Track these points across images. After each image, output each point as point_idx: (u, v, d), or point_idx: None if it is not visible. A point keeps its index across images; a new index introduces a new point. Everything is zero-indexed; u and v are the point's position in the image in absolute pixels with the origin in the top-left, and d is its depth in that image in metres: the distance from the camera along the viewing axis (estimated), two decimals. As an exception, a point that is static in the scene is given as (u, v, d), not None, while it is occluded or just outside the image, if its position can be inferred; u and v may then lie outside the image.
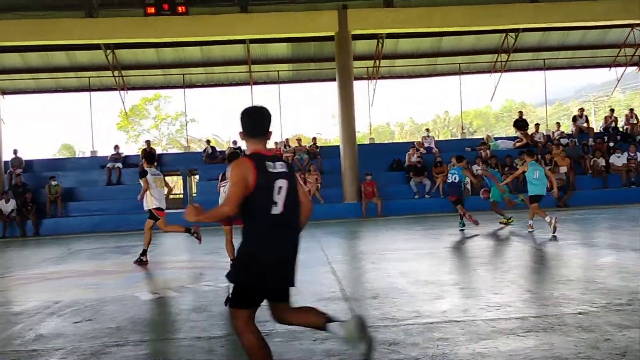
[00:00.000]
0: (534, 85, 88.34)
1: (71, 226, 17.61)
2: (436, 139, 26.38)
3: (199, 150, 25.12)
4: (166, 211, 10.11)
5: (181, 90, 24.28)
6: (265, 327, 4.76)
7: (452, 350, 3.99)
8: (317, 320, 3.43)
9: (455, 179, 12.62)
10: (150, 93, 40.67)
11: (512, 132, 24.50)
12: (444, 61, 23.71)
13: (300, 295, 6.05)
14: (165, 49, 21.74)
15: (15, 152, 19.76)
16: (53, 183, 18.14)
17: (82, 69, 22.48)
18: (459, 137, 26.40)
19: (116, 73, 22.35)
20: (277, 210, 3.21)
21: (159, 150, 27.78)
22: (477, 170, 18.67)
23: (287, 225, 3.28)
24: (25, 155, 20.30)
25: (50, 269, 9.77)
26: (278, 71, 23.30)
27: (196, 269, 8.93)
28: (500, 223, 12.65)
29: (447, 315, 4.94)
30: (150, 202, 9.87)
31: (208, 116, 65.86)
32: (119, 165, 19.83)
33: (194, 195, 21.06)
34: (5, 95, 21.72)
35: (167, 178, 22.51)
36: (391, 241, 11.42)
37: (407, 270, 7.48)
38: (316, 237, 12.31)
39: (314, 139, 22.25)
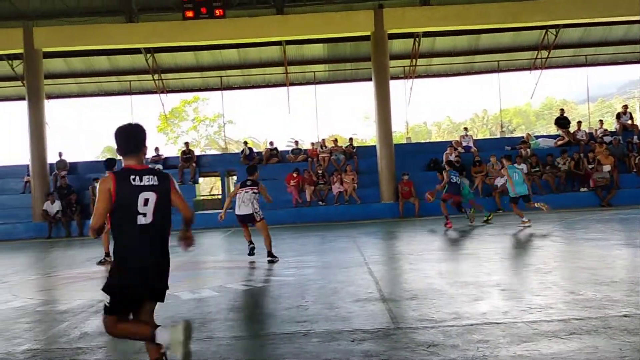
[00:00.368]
0: (576, 82, 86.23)
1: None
2: (474, 137, 25.97)
3: (237, 151, 25.37)
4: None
5: (219, 92, 24.62)
6: (303, 327, 4.80)
7: (492, 352, 3.93)
8: (148, 328, 3.53)
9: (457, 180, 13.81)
10: (189, 95, 41.27)
11: (553, 130, 24.00)
12: (482, 59, 23.36)
13: (337, 296, 6.07)
14: (203, 52, 22.08)
15: (60, 154, 20.36)
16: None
17: (123, 73, 23.04)
18: (498, 136, 25.96)
19: (156, 76, 22.80)
20: (145, 220, 3.45)
21: (197, 152, 28.13)
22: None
23: (155, 235, 3.51)
24: (70, 157, 20.88)
25: (94, 268, 10.02)
26: (314, 72, 23.37)
27: (234, 269, 9.03)
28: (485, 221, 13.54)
29: (487, 317, 4.86)
30: None
31: (245, 117, 66.52)
32: (159, 166, 20.19)
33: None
34: (50, 100, 22.36)
35: (207, 179, 22.74)
36: (429, 241, 11.32)
37: (445, 271, 7.40)
38: (353, 238, 12.30)
39: (351, 139, 22.22)
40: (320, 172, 19.11)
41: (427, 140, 45.90)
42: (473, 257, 8.79)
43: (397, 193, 17.97)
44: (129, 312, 3.57)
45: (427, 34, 21.23)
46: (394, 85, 20.97)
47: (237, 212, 9.79)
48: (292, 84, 23.94)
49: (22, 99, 19.87)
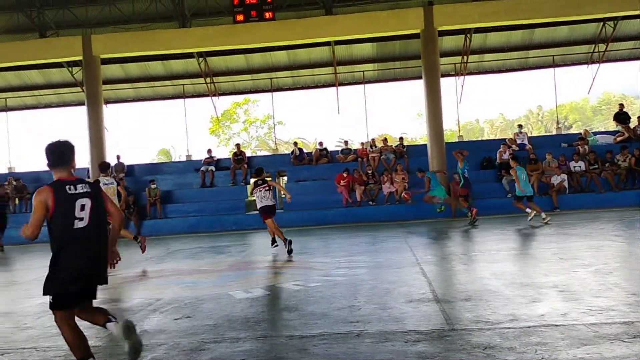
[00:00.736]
0: (635, 75, 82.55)
1: (169, 227, 18.51)
2: (529, 134, 25.30)
3: (287, 152, 25.58)
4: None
5: (269, 93, 24.91)
6: (355, 328, 4.80)
7: (551, 355, 3.83)
8: (101, 319, 4.04)
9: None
10: (239, 97, 41.92)
11: (611, 125, 23.10)
12: (536, 54, 22.77)
13: (390, 296, 6.04)
14: (253, 55, 22.38)
15: (118, 157, 21.05)
16: (152, 186, 19.14)
17: (177, 77, 23.64)
18: (554, 133, 25.16)
19: (208, 80, 23.28)
20: (82, 224, 3.90)
21: (248, 153, 28.52)
22: (574, 167, 17.81)
23: (92, 236, 3.96)
24: (127, 160, 21.57)
25: (151, 268, 10.33)
26: (363, 71, 23.32)
27: (285, 269, 9.10)
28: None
29: (545, 319, 4.74)
30: None
31: (294, 118, 67.01)
32: (212, 168, 20.60)
33: (283, 196, 21.48)
34: (108, 105, 23.15)
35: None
36: (482, 241, 11.11)
37: (500, 271, 7.25)
38: (404, 238, 12.21)
39: (401, 138, 22.04)
40: (370, 171, 19.05)
41: (479, 138, 45.06)
42: (529, 257, 8.58)
43: (449, 192, 17.71)
44: (74, 306, 4.00)
45: (478, 30, 20.85)
46: (445, 83, 20.69)
47: (260, 206, 11.49)
48: (341, 84, 23.96)
49: (82, 104, 20.65)
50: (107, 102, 22.89)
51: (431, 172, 16.76)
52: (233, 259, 10.83)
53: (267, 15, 17.61)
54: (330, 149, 22.00)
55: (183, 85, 23.87)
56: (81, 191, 3.97)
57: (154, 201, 19.07)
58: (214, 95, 24.28)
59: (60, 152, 4.05)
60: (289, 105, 72.76)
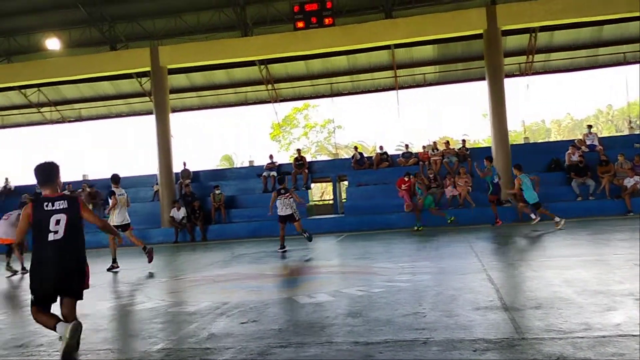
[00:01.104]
0: None
1: (233, 231, 18.90)
2: (599, 135, 24.29)
3: (347, 156, 25.64)
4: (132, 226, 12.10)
5: (329, 98, 25.07)
6: (421, 335, 4.75)
7: (629, 368, 3.66)
8: (53, 321, 4.58)
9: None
10: (299, 103, 42.38)
11: (691, 124, 21.87)
12: (606, 51, 21.86)
13: (456, 304, 5.93)
14: (313, 61, 22.59)
15: (184, 164, 21.71)
16: (217, 192, 19.62)
17: (239, 85, 24.18)
18: (626, 132, 24.05)
19: (269, 86, 23.65)
20: (57, 236, 4.51)
21: (308, 158, 28.71)
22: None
23: (66, 248, 4.55)
24: (193, 166, 22.21)
25: (218, 271, 10.56)
26: (424, 74, 23.10)
27: (348, 274, 9.10)
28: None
29: (621, 329, 4.53)
30: (112, 219, 11.43)
31: (354, 123, 66.95)
32: (274, 173, 20.89)
33: (344, 200, 21.54)
34: (174, 113, 23.91)
35: (318, 185, 23.09)
36: (552, 247, 10.74)
37: (572, 278, 6.98)
38: (469, 243, 11.97)
39: (463, 140, 21.69)
40: (432, 175, 18.80)
41: (546, 140, 43.64)
42: (602, 264, 8.22)
43: (515, 196, 17.22)
44: (49, 304, 4.66)
45: (544, 28, 20.23)
46: (509, 83, 20.21)
47: (280, 213, 13.05)
48: (401, 87, 23.81)
49: (150, 113, 21.44)
50: (174, 110, 23.62)
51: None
52: (296, 263, 10.94)
53: (327, 21, 17.74)
54: (390, 152, 21.89)
55: (245, 92, 24.38)
56: (58, 207, 4.60)
57: (219, 206, 19.53)
58: (275, 101, 24.65)
59: (46, 173, 4.75)
60: (349, 109, 72.83)
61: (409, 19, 18.67)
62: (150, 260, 11.47)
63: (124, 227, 11.68)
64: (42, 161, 4.78)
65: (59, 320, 4.59)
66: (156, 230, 19.72)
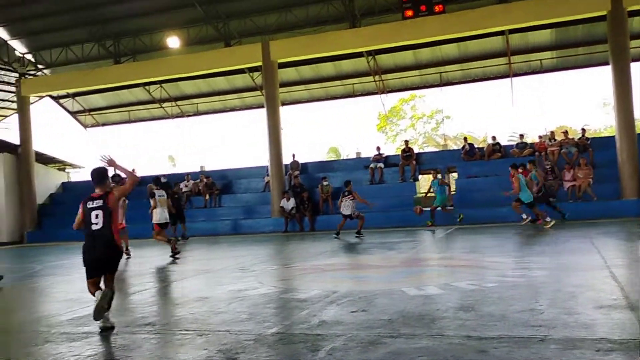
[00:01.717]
0: None
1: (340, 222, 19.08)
2: None
3: (455, 147, 25.00)
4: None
5: (438, 88, 24.55)
6: (539, 332, 4.56)
7: None
8: (94, 289, 5.75)
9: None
10: (406, 94, 41.92)
11: None
12: None
13: (575, 301, 5.63)
14: (422, 50, 22.22)
15: (293, 155, 22.24)
16: (324, 183, 19.92)
17: (346, 77, 24.33)
18: None
19: (377, 78, 23.58)
20: (97, 227, 5.77)
21: (415, 149, 28.30)
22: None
23: (103, 235, 5.76)
24: (301, 158, 22.70)
25: (326, 261, 10.76)
26: (540, 60, 21.97)
27: (458, 267, 8.90)
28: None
29: None
30: (155, 217, 12.70)
31: (463, 112, 65.03)
32: (381, 165, 20.84)
33: (453, 192, 21.04)
34: (284, 106, 24.53)
35: (425, 176, 22.83)
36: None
37: None
38: (589, 238, 11.26)
39: (583, 130, 20.36)
40: (549, 166, 17.85)
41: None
42: None
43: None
44: (96, 276, 5.84)
45: (678, 6, 18.44)
46: (636, 68, 18.66)
47: (343, 212, 15.78)
48: (515, 75, 22.82)
49: (262, 106, 22.17)
50: (284, 103, 24.25)
51: (434, 180, 17.63)
52: (404, 255, 10.87)
53: (437, 8, 17.34)
54: (503, 143, 21.06)
55: (352, 84, 24.48)
56: (95, 205, 5.84)
57: (326, 197, 19.82)
58: (382, 92, 24.54)
59: (97, 176, 5.99)
60: (457, 99, 70.84)
61: (525, 2, 17.77)
62: (174, 254, 12.19)
63: (164, 226, 12.82)
64: (95, 167, 6.01)
65: (99, 288, 5.76)
66: (266, 219, 20.40)
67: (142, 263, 12.72)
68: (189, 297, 7.53)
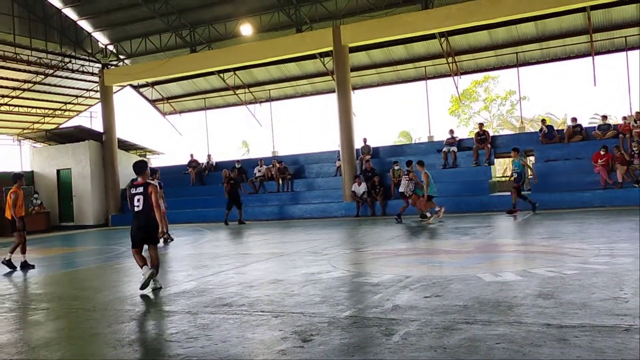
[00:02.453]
0: None
1: (412, 207, 18.91)
2: None
3: (532, 130, 24.10)
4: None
5: (514, 69, 23.69)
6: (623, 322, 4.39)
7: None
8: (142, 262, 7.44)
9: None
10: (479, 76, 40.74)
11: None
12: None
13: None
14: (497, 29, 21.52)
15: (364, 140, 22.18)
16: (396, 167, 19.74)
17: (418, 60, 23.94)
18: None
19: (450, 59, 23.04)
20: (138, 208, 7.38)
21: (490, 132, 27.50)
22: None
23: (143, 215, 7.39)
24: (373, 142, 22.59)
25: (398, 246, 10.72)
26: (625, 37, 20.73)
27: (535, 254, 8.63)
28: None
29: None
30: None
31: (540, 93, 62.35)
32: (454, 149, 20.41)
33: (530, 177, 20.33)
34: (355, 90, 24.46)
35: (500, 160, 22.01)
36: None
37: None
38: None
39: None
40: (635, 149, 16.90)
41: None
42: None
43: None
44: (139, 247, 7.51)
45: None
46: None
47: (400, 190, 16.64)
48: (597, 53, 21.69)
49: (332, 91, 22.18)
50: (354, 88, 24.18)
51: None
52: (479, 240, 10.66)
53: (514, -14, 16.67)
54: (584, 125, 20.10)
55: (424, 67, 24.05)
56: (137, 191, 7.46)
57: (398, 182, 19.65)
58: (456, 74, 23.96)
59: (138, 168, 7.62)
60: (533, 79, 68.03)
61: (609, -25, 16.81)
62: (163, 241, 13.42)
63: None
64: (137, 159, 8.04)
65: (145, 263, 7.40)
66: (338, 204, 20.51)
67: (218, 246, 13.14)
68: (263, 279, 7.74)
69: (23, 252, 10.70)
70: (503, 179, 26.83)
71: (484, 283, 6.38)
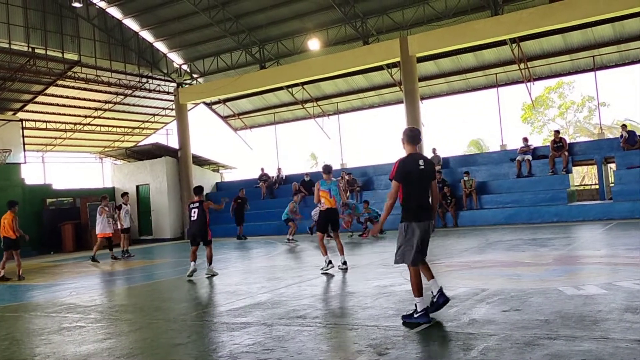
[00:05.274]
0: None
1: (485, 218, 18.47)
2: None
3: (611, 136, 22.99)
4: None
5: (591, 73, 22.74)
6: None
7: None
8: (194, 258, 10.50)
9: None
10: (552, 82, 39.33)
11: None
12: None
13: None
14: (572, 33, 20.78)
15: (434, 150, 21.86)
16: (466, 178, 19.35)
17: (488, 67, 23.42)
18: None
19: (522, 65, 22.42)
20: (194, 218, 10.43)
21: (566, 140, 26.47)
22: None
23: (197, 223, 10.41)
24: (442, 153, 22.24)
25: (473, 258, 10.47)
26: None
27: (619, 265, 8.19)
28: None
29: None
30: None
31: (619, 98, 59.33)
32: (529, 157, 19.76)
33: (611, 185, 19.37)
34: (423, 101, 24.22)
35: (578, 168, 21.04)
36: None
37: None
38: None
39: None
40: None
41: None
42: None
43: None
44: (195, 245, 10.53)
45: None
46: None
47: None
48: (681, 53, 20.45)
49: (400, 102, 22.08)
50: (423, 98, 23.92)
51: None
52: (558, 252, 10.25)
53: (589, -13, 16.05)
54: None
55: (495, 74, 23.50)
56: (194, 206, 10.41)
57: (469, 192, 19.25)
58: (529, 81, 23.27)
59: (197, 190, 10.80)
60: (612, 84, 64.88)
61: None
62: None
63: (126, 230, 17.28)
64: (196, 185, 11.40)
65: (194, 259, 10.41)
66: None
67: (290, 258, 13.30)
68: (336, 291, 7.76)
69: (3, 267, 12.84)
70: (581, 187, 25.72)
71: (565, 296, 6.13)
